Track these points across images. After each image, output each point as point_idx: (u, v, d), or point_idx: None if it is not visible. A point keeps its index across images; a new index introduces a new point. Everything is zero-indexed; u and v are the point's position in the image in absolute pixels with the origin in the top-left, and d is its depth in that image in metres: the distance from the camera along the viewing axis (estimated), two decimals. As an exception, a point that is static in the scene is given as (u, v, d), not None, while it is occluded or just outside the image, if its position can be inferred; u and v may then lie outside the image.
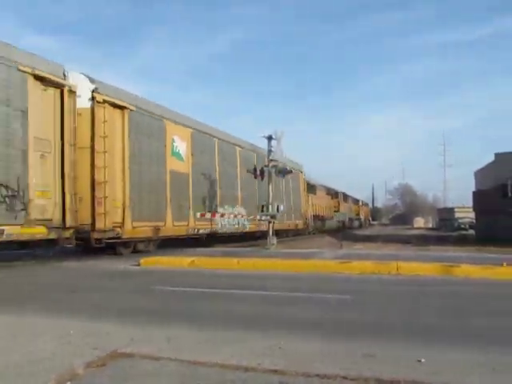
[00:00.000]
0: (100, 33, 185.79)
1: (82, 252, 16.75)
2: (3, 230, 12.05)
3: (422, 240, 32.01)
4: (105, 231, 15.27)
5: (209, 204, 22.19)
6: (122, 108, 16.60)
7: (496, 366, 4.44)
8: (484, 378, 4.13)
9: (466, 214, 63.65)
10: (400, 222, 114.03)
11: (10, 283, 10.25)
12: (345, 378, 4.08)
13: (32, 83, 13.29)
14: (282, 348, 5.01)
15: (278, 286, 9.76)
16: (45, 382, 3.98)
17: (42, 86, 13.65)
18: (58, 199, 13.90)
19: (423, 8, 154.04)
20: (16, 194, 12.56)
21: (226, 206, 23.82)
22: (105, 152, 15.44)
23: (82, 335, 5.53)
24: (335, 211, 53.60)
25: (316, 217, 43.50)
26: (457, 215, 70.06)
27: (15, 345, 5.12)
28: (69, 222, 14.05)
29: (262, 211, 20.91)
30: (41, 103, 13.61)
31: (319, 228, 44.04)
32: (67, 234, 14.19)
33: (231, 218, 24.25)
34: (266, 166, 22.23)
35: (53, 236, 13.71)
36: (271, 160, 21.84)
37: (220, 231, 23.06)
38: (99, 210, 15.01)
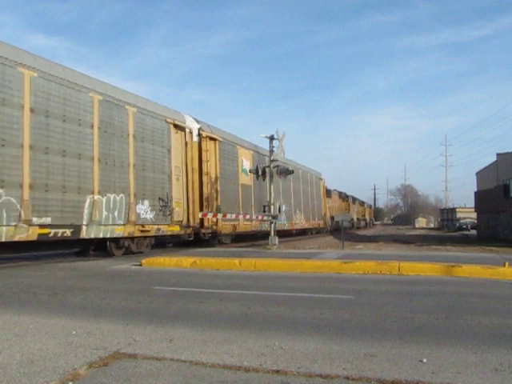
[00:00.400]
0: (100, 33, 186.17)
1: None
2: (160, 229, 18.33)
3: (424, 240, 31.99)
4: (207, 228, 21.71)
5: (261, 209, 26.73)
6: (214, 140, 22.85)
7: (498, 365, 4.44)
8: (487, 378, 4.12)
9: (468, 215, 63.77)
10: (402, 222, 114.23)
11: (13, 283, 10.25)
12: (347, 378, 4.08)
13: (172, 129, 19.65)
14: (283, 348, 5.01)
15: (280, 287, 9.76)
16: (47, 382, 3.99)
17: (176, 130, 19.88)
18: (185, 207, 20.09)
19: (424, 8, 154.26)
20: (166, 204, 18.82)
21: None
22: (207, 173, 21.99)
23: (83, 335, 5.53)
24: (346, 213, 59.64)
25: (332, 218, 49.87)
26: (458, 215, 70.14)
27: (17, 345, 5.12)
28: (190, 223, 20.39)
29: (263, 211, 22.74)
30: (175, 142, 19.87)
31: (334, 227, 48.59)
32: (189, 230, 20.20)
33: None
34: (267, 166, 22.29)
35: (182, 232, 19.76)
36: (273, 160, 21.87)
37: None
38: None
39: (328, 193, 48.19)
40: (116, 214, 15.96)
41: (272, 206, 21.44)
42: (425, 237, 40.00)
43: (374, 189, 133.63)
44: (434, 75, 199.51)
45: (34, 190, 12.98)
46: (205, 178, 21.77)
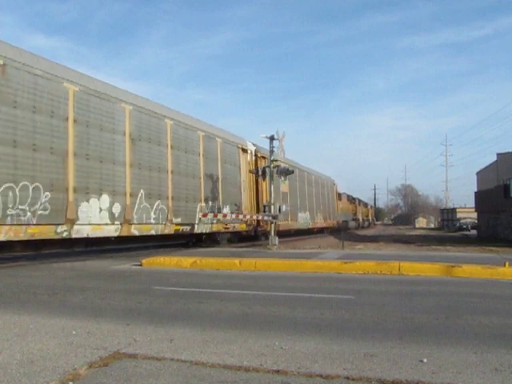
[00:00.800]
0: (100, 33, 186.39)
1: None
2: (235, 226, 24.20)
3: (424, 240, 31.99)
4: (262, 227, 27.38)
5: (295, 211, 34.33)
6: (265, 158, 27.04)
7: (499, 365, 4.44)
8: (487, 378, 4.12)
9: (468, 215, 63.78)
10: (402, 222, 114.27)
11: (12, 283, 10.25)
12: (347, 378, 4.08)
13: (241, 152, 25.98)
14: (283, 348, 5.01)
15: (280, 287, 9.76)
16: (47, 382, 3.99)
17: (242, 152, 26.06)
18: (248, 211, 25.60)
19: (424, 8, 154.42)
20: (239, 208, 24.28)
21: (301, 211, 36.96)
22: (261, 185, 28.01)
23: (84, 335, 5.53)
24: (353, 214, 66.25)
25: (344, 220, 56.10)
26: (459, 215, 70.16)
27: (17, 345, 5.12)
28: (252, 223, 26.43)
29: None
30: (242, 162, 26.14)
31: (344, 227, 51.34)
32: (251, 228, 26.37)
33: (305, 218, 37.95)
34: (267, 166, 22.30)
35: (247, 229, 25.98)
36: (273, 160, 21.88)
37: (301, 227, 36.55)
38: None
39: (339, 196, 53.75)
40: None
41: (272, 207, 21.44)
42: (425, 237, 40.00)
43: (375, 189, 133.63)
44: (434, 75, 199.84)
45: (173, 201, 19.42)
46: (260, 189, 28.05)
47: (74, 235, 14.30)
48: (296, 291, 9.05)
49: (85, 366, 4.39)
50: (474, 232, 49.33)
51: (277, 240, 20.80)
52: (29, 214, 12.80)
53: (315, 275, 11.56)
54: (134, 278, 11.31)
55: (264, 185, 28.65)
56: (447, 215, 76.46)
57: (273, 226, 21.31)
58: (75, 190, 14.38)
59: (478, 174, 42.49)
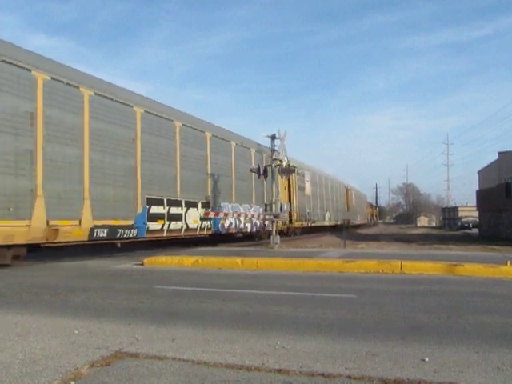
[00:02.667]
0: (102, 33, 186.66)
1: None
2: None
3: (426, 239, 31.95)
4: (293, 224, 33.20)
5: (321, 212, 41.35)
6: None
7: (500, 364, 4.43)
8: (489, 377, 4.12)
9: (470, 213, 63.69)
10: (403, 221, 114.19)
11: (14, 283, 10.27)
12: (349, 377, 4.08)
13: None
14: (285, 347, 5.01)
15: (282, 286, 9.76)
16: (49, 381, 3.99)
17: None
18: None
19: (424, 8, 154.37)
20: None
21: (320, 211, 42.57)
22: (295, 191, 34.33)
23: (86, 335, 5.54)
24: (367, 213, 79.53)
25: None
26: (460, 214, 70.08)
27: (19, 344, 5.13)
28: (286, 221, 30.23)
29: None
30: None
31: (370, 223, 73.45)
32: (284, 226, 30.52)
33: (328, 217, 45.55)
34: (269, 165, 22.30)
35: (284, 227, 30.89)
36: (274, 159, 21.88)
37: (326, 224, 44.16)
38: (293, 215, 33.05)
39: (352, 197, 61.82)
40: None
41: (274, 205, 21.44)
42: (426, 236, 39.96)
43: (376, 188, 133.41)
44: (434, 75, 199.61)
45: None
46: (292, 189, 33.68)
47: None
48: (298, 290, 9.05)
49: (87, 365, 4.40)
50: (475, 231, 49.27)
51: (278, 239, 20.80)
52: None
53: (317, 274, 11.56)
54: (136, 277, 11.32)
55: (293, 186, 33.73)
56: (449, 214, 76.42)
57: (274, 224, 21.30)
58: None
59: (479, 172, 42.40)
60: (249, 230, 26.17)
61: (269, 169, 22.23)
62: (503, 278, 10.74)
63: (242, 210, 25.06)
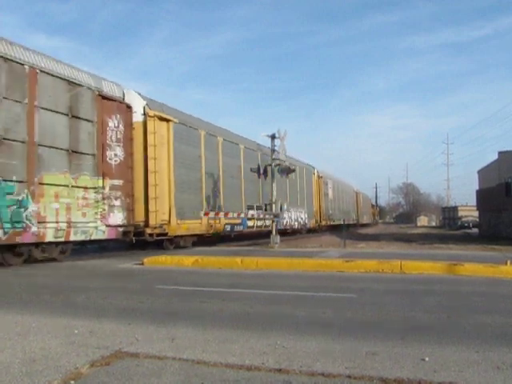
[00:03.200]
0: (103, 33, 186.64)
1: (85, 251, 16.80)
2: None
3: (426, 238, 31.95)
4: (321, 223, 41.75)
5: (339, 213, 46.38)
6: (321, 177, 43.61)
7: (500, 364, 4.43)
8: (489, 376, 4.12)
9: (470, 213, 63.73)
10: (403, 221, 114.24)
11: (15, 283, 10.27)
12: (349, 376, 4.08)
13: (315, 176, 41.57)
14: (285, 347, 5.01)
15: (282, 285, 9.76)
16: (49, 381, 3.99)
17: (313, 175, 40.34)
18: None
19: (424, 8, 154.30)
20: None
21: (338, 212, 48.91)
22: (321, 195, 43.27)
23: (86, 335, 5.54)
24: (369, 213, 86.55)
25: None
26: (460, 214, 70.12)
27: (19, 344, 5.13)
28: (318, 220, 41.25)
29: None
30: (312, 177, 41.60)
31: (376, 221, 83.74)
32: (316, 224, 39.95)
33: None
34: (269, 164, 22.30)
35: (316, 225, 40.77)
36: (274, 159, 21.87)
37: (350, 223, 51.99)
38: (322, 216, 42.61)
39: (361, 200, 70.02)
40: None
41: (274, 205, 21.44)
42: (426, 235, 39.96)
43: (376, 187, 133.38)
44: (434, 75, 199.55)
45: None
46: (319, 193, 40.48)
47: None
48: (298, 290, 9.05)
49: (87, 365, 4.40)
50: (475, 230, 49.28)
51: (278, 239, 20.80)
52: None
53: (317, 274, 11.56)
54: (136, 277, 11.32)
55: (317, 189, 40.07)
56: (449, 213, 76.46)
57: (274, 224, 21.30)
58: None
59: (479, 172, 42.40)
60: (296, 226, 34.30)
61: (269, 168, 22.23)
62: (503, 278, 10.74)
63: (292, 212, 33.03)
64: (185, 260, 13.64)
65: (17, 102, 13.14)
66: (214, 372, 4.21)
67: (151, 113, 18.40)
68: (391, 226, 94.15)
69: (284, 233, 30.98)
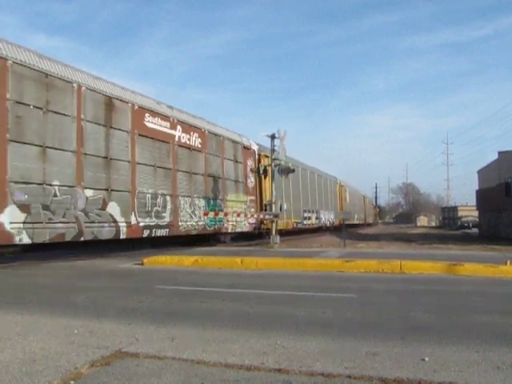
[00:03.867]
0: (102, 33, 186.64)
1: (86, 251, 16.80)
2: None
3: (426, 239, 31.96)
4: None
5: (353, 214, 49.14)
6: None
7: (500, 364, 4.43)
8: (489, 376, 4.12)
9: (470, 213, 63.76)
10: (403, 221, 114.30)
11: (15, 282, 10.27)
12: (349, 376, 4.08)
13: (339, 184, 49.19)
14: (285, 347, 5.01)
15: (281, 285, 9.76)
16: (49, 381, 3.99)
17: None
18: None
19: (424, 8, 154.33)
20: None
21: (352, 213, 53.12)
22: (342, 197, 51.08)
23: (85, 334, 5.54)
24: (371, 214, 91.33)
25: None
26: (460, 214, 70.14)
27: (19, 344, 5.13)
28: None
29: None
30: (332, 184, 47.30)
31: (377, 221, 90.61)
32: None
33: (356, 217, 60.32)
34: (269, 164, 22.33)
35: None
36: (274, 159, 21.88)
37: (356, 222, 59.79)
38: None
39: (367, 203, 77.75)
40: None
41: (273, 205, 21.44)
42: (426, 235, 39.98)
43: (376, 188, 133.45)
44: (434, 75, 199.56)
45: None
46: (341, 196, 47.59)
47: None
48: (298, 290, 9.05)
49: (86, 365, 4.40)
50: (475, 230, 49.29)
51: (278, 239, 20.80)
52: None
53: (317, 274, 11.56)
54: (136, 277, 11.32)
55: (339, 195, 47.75)
56: (448, 214, 76.51)
57: (274, 224, 21.30)
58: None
59: (479, 172, 42.40)
60: (327, 224, 42.33)
61: (268, 169, 22.25)
62: (503, 278, 10.74)
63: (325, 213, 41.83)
64: (185, 260, 13.64)
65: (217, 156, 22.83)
66: (214, 372, 4.21)
67: (261, 153, 27.52)
68: (391, 226, 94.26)
69: (317, 229, 39.96)
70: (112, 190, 15.74)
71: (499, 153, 33.46)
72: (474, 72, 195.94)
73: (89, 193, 14.72)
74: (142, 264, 13.55)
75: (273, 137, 21.56)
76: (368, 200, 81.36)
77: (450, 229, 64.34)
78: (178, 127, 19.62)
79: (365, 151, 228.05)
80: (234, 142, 24.48)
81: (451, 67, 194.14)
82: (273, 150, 21.86)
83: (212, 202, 21.68)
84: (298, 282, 10.27)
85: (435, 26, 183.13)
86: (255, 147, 27.50)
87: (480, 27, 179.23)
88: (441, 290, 9.04)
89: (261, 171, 24.00)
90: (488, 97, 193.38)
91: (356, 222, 59.52)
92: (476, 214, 49.39)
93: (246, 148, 25.90)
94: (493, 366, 4.39)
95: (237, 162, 24.65)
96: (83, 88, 14.86)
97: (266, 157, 26.62)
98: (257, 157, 27.35)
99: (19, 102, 12.76)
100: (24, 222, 12.58)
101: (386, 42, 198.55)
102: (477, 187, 43.33)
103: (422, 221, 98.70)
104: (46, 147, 13.43)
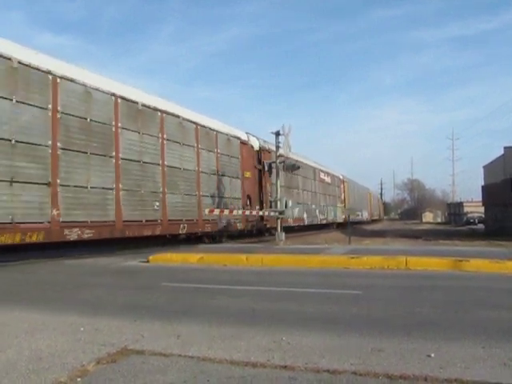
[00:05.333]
0: (109, 31, 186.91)
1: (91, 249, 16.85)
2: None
3: (431, 235, 31.87)
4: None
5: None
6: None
7: (507, 360, 4.41)
8: (495, 372, 4.10)
9: (475, 209, 63.46)
10: (409, 217, 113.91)
11: (21, 280, 10.32)
12: (354, 373, 4.07)
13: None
14: (291, 343, 5.01)
15: (287, 282, 9.76)
16: (55, 378, 4.01)
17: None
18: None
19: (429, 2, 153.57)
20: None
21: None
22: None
23: (92, 332, 5.56)
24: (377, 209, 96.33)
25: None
26: (466, 209, 69.82)
27: (26, 341, 5.15)
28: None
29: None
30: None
31: (383, 217, 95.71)
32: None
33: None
34: (273, 161, 22.30)
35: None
36: (278, 156, 21.86)
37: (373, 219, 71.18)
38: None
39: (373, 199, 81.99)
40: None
41: (279, 202, 21.42)
42: (432, 231, 39.87)
43: (381, 183, 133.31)
44: (441, 69, 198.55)
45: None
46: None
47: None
48: (303, 286, 9.05)
49: (93, 362, 4.41)
50: (481, 226, 49.09)
51: (283, 235, 20.79)
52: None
53: (322, 270, 11.55)
54: (141, 274, 11.35)
55: (371, 198, 55.29)
56: (454, 209, 76.13)
57: (279, 221, 21.29)
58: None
59: (484, 167, 42.20)
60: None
61: (273, 165, 22.22)
62: (509, 274, 10.69)
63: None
64: (190, 257, 13.66)
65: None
66: (220, 369, 4.22)
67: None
68: (396, 222, 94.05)
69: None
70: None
71: (505, 148, 33.26)
72: (480, 65, 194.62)
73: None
74: (148, 261, 13.57)
75: (277, 133, 21.50)
76: (373, 196, 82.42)
77: (456, 225, 64.12)
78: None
79: (370, 146, 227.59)
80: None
81: (458, 61, 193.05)
82: (277, 147, 21.81)
83: (217, 199, 21.73)
84: (303, 279, 10.27)
85: (441, 20, 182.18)
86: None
87: (487, 21, 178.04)
88: (446, 286, 9.01)
89: (265, 168, 23.92)
90: (495, 90, 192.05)
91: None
92: (482, 209, 49.19)
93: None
94: (499, 362, 4.37)
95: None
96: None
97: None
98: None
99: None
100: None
101: (392, 36, 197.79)
102: (482, 183, 43.14)
103: (428, 217, 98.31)
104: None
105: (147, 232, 17.20)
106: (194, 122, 20.86)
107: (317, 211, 37.82)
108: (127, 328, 5.76)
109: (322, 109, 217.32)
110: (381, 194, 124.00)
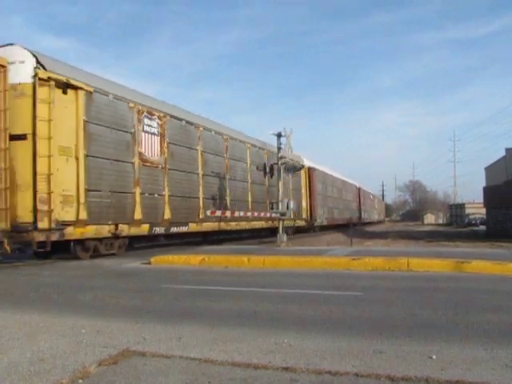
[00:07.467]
0: (111, 34, 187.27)
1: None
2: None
3: (433, 236, 31.83)
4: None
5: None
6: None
7: (509, 362, 4.41)
8: (497, 374, 4.10)
9: (477, 210, 63.40)
10: (410, 219, 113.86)
11: (22, 282, 10.33)
12: (356, 374, 4.07)
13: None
14: (292, 345, 5.01)
15: (289, 284, 9.76)
16: (57, 380, 4.02)
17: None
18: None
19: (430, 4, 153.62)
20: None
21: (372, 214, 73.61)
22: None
23: (93, 334, 5.57)
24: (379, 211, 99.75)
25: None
26: (467, 211, 69.73)
27: (27, 343, 5.16)
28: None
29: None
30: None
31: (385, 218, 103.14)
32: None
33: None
34: (275, 163, 22.30)
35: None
36: (280, 157, 21.86)
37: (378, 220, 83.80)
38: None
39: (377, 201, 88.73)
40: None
41: (280, 203, 21.41)
42: (433, 233, 39.80)
43: (383, 185, 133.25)
44: (441, 72, 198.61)
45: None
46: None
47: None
48: (305, 288, 9.04)
49: (94, 364, 4.42)
50: (482, 228, 49.01)
51: (285, 237, 20.77)
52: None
53: (324, 272, 11.55)
54: (143, 276, 11.36)
55: (376, 200, 67.15)
56: (456, 211, 76.05)
57: (281, 222, 21.28)
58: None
59: (486, 169, 42.15)
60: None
61: (275, 167, 22.21)
62: (511, 275, 10.68)
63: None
64: (192, 259, 13.67)
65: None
66: (221, 371, 4.22)
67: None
68: (398, 223, 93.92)
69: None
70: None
71: (507, 150, 33.24)
72: (481, 68, 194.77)
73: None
74: (150, 263, 13.58)
75: (279, 135, 21.51)
76: (375, 197, 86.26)
77: (457, 226, 64.04)
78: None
79: (371, 148, 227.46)
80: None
81: (458, 63, 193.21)
82: (279, 149, 21.81)
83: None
84: (304, 281, 10.26)
85: (442, 22, 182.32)
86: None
87: (487, 23, 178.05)
88: (448, 288, 9.00)
89: (267, 169, 23.90)
90: (496, 93, 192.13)
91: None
92: (483, 211, 49.11)
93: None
94: (501, 364, 4.37)
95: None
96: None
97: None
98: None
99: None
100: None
101: (392, 39, 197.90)
102: (484, 184, 43.09)
103: (429, 218, 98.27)
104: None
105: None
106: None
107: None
108: (129, 330, 5.77)
109: (321, 111, 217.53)
110: (382, 195, 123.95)
